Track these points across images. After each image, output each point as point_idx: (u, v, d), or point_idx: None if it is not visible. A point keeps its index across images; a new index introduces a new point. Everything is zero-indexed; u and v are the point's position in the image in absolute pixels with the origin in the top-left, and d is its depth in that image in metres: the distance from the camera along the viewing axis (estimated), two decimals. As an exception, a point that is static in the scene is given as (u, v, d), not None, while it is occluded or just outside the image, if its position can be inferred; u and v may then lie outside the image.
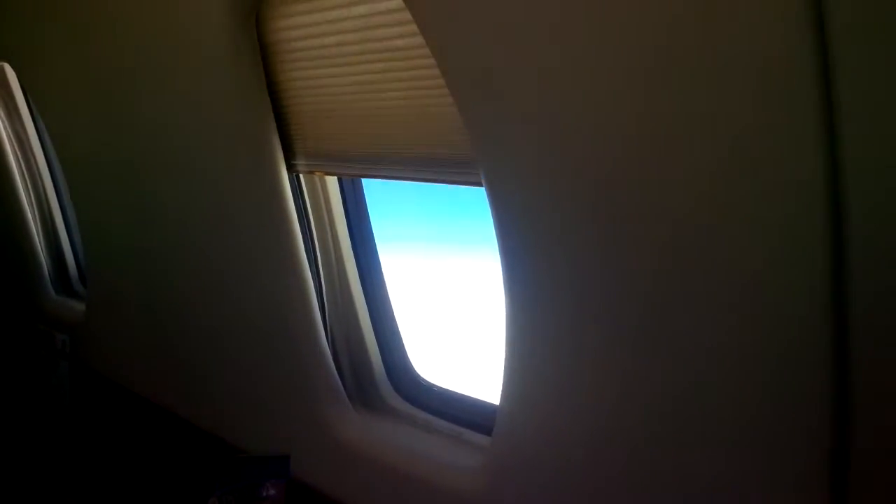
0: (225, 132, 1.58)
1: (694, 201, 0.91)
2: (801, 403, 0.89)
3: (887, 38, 0.70)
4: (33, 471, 2.72)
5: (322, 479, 1.75)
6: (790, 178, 0.81)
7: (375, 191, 1.76)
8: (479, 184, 1.22)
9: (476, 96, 1.10)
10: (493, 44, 1.04)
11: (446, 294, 2.01)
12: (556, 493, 1.25)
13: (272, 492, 1.67)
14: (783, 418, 0.91)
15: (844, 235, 0.79)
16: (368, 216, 1.76)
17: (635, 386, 1.06)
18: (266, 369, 1.83)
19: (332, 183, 1.70)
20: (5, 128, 2.80)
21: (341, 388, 1.72)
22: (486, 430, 1.44)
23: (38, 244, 2.92)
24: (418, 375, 1.77)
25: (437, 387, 1.73)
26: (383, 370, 1.79)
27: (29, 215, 2.88)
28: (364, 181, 1.70)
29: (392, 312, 1.78)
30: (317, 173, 1.63)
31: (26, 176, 2.87)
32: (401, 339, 1.79)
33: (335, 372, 1.72)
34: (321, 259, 1.72)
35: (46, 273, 2.95)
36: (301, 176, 1.63)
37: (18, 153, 2.84)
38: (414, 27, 1.17)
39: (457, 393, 1.68)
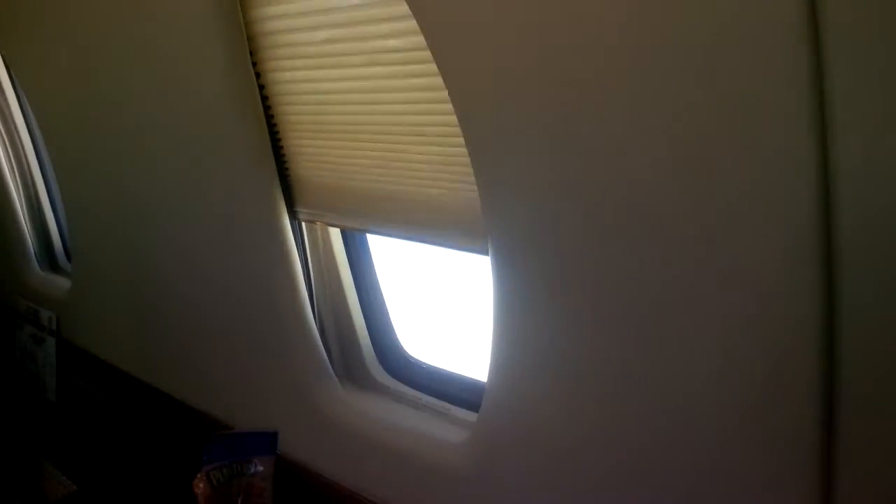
0: (207, 108, 1.57)
1: (682, 201, 0.91)
2: (790, 402, 0.89)
3: (881, 38, 0.70)
4: (20, 447, 2.72)
5: (310, 454, 1.76)
6: (782, 179, 0.82)
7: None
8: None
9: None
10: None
11: (435, 271, 2.01)
12: (542, 469, 1.26)
13: (260, 468, 1.68)
14: (771, 416, 0.92)
15: (834, 235, 0.80)
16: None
17: (622, 364, 1.07)
18: (253, 346, 1.83)
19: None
20: (-11, 105, 2.77)
21: (328, 364, 1.72)
22: (474, 406, 1.45)
23: (23, 221, 2.90)
24: (406, 352, 1.77)
25: (424, 363, 1.74)
26: (371, 346, 1.79)
27: (13, 191, 2.86)
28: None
29: (380, 289, 1.78)
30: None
31: (10, 152, 2.84)
32: (388, 316, 1.79)
33: (322, 348, 1.72)
34: (307, 235, 1.72)
35: (31, 250, 2.93)
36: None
37: (2, 129, 2.81)
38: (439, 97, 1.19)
39: (444, 370, 1.68)
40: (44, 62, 2.07)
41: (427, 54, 1.17)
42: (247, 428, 1.88)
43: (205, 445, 1.65)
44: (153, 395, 2.28)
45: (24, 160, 2.86)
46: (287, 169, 1.61)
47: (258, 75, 1.53)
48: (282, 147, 1.59)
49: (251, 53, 1.50)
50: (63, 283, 2.76)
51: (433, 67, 1.16)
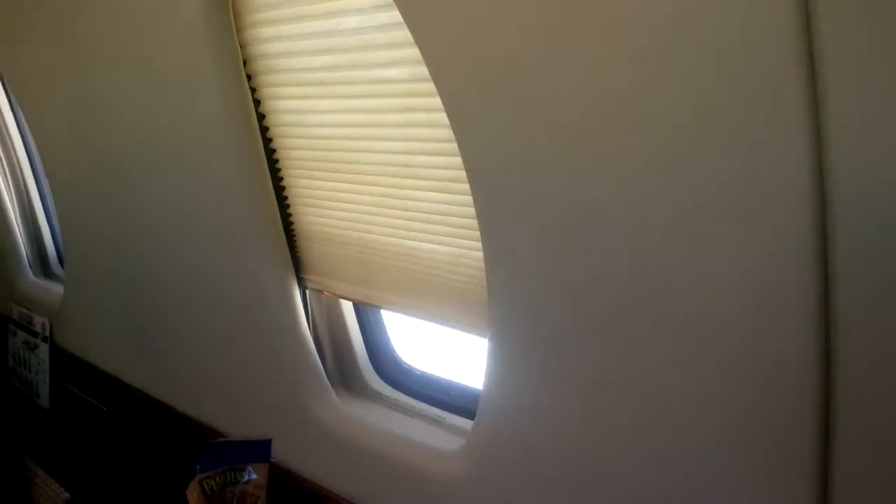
0: (201, 115, 1.57)
1: (679, 203, 0.91)
2: (787, 404, 0.90)
3: (875, 37, 0.71)
4: (12, 454, 2.71)
5: (304, 462, 1.76)
6: (776, 182, 0.82)
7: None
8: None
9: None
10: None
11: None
12: (537, 478, 1.26)
13: (254, 476, 1.67)
14: (767, 419, 0.92)
15: (830, 238, 0.80)
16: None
17: (618, 372, 1.07)
18: (247, 353, 1.82)
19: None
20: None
21: (322, 371, 1.72)
22: (469, 413, 1.45)
23: (17, 227, 2.89)
24: (401, 359, 1.77)
25: (419, 370, 1.74)
26: (366, 353, 1.79)
27: (6, 198, 2.85)
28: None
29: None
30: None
31: (3, 159, 2.84)
32: (383, 322, 1.79)
33: (316, 355, 1.72)
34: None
35: (25, 256, 2.92)
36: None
37: (-5, 136, 2.81)
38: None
39: (439, 377, 1.68)
40: (38, 72, 2.07)
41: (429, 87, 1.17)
42: (241, 436, 1.87)
43: (198, 453, 1.64)
44: (146, 402, 2.27)
45: (17, 167, 2.86)
46: (280, 173, 1.61)
47: (257, 103, 1.54)
48: (275, 152, 1.59)
49: (248, 78, 1.51)
50: (56, 289, 2.75)
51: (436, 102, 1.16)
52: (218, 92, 1.51)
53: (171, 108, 1.65)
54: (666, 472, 1.06)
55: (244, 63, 1.49)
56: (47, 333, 2.75)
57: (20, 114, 2.74)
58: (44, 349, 2.77)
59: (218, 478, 1.64)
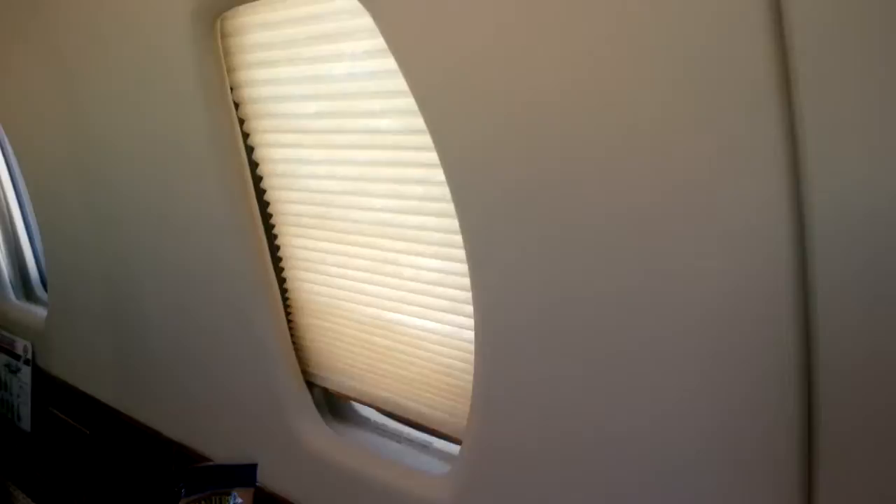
0: (189, 139, 1.56)
1: (656, 211, 0.92)
2: (769, 413, 0.90)
3: (848, 41, 0.72)
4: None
5: (291, 486, 1.75)
6: (754, 189, 0.83)
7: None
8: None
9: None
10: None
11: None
12: (525, 500, 1.25)
13: (239, 500, 1.66)
14: (753, 426, 0.93)
15: (808, 240, 0.81)
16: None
17: (603, 391, 1.07)
18: (232, 377, 1.81)
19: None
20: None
21: (309, 395, 1.72)
22: (456, 438, 1.45)
23: (-1, 250, 2.88)
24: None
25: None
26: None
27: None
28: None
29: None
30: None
31: (-15, 180, 2.83)
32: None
33: (303, 379, 1.72)
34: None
35: (7, 279, 2.91)
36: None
37: (-23, 156, 2.79)
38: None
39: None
40: (24, 92, 2.06)
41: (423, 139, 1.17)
42: (226, 459, 1.86)
43: (183, 477, 1.63)
44: (130, 425, 2.26)
45: (-1, 189, 2.85)
46: (272, 220, 1.61)
47: (250, 150, 1.55)
48: (265, 193, 1.59)
49: (241, 122, 1.52)
50: (39, 312, 2.74)
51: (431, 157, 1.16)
52: (209, 134, 1.52)
53: (157, 136, 1.65)
54: (655, 489, 1.06)
55: (235, 107, 1.50)
56: (30, 356, 2.73)
57: (3, 135, 2.73)
58: (26, 372, 2.75)
59: (203, 502, 1.64)
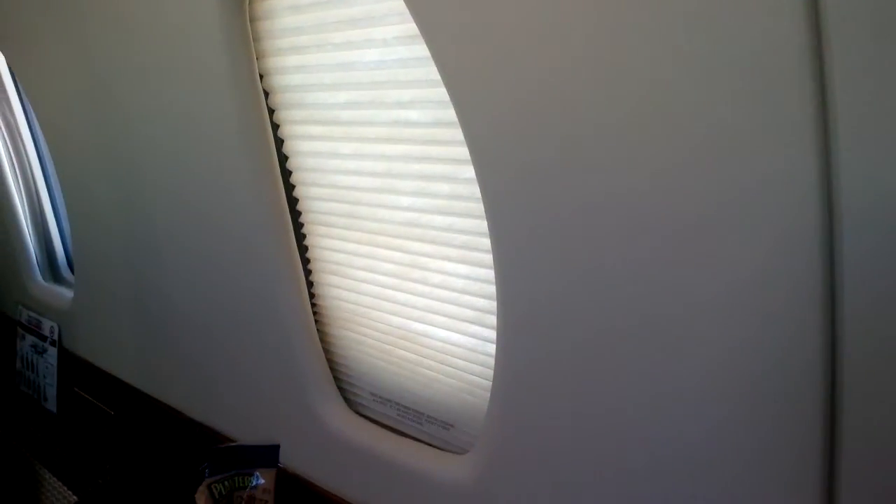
0: (218, 125, 1.57)
1: (687, 200, 0.92)
2: (792, 409, 0.90)
3: (883, 41, 0.71)
4: (19, 457, 2.71)
5: (312, 466, 1.76)
6: (784, 177, 0.82)
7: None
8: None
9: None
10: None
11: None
12: (547, 481, 1.26)
13: (262, 480, 1.68)
14: (775, 424, 0.93)
15: (836, 234, 0.80)
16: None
17: (626, 378, 1.07)
18: (257, 358, 1.83)
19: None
20: (-6, 114, 2.79)
21: (331, 377, 1.73)
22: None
23: (27, 231, 2.91)
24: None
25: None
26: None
27: (17, 202, 2.87)
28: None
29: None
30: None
31: (15, 163, 2.86)
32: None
33: (326, 361, 1.73)
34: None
35: (34, 260, 2.94)
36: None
37: (7, 140, 2.82)
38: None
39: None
40: (52, 75, 2.08)
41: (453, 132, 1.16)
42: (249, 440, 1.88)
43: (207, 457, 1.65)
44: (154, 405, 2.28)
45: (28, 171, 2.87)
46: (293, 187, 1.62)
47: (279, 142, 1.56)
48: (290, 173, 1.60)
49: (270, 113, 1.52)
50: (65, 293, 2.77)
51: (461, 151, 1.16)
52: (238, 120, 1.52)
53: (184, 122, 1.66)
54: (673, 476, 1.06)
55: (265, 95, 1.51)
56: (56, 337, 2.77)
57: (32, 116, 2.76)
58: (52, 353, 2.79)
59: (226, 482, 1.65)
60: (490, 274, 1.28)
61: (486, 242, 1.24)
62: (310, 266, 1.68)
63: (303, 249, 1.67)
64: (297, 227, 1.64)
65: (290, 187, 1.60)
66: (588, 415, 1.15)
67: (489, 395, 1.31)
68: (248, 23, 1.43)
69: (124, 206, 2.09)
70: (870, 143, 0.75)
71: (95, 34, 1.77)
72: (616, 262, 1.02)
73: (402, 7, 1.15)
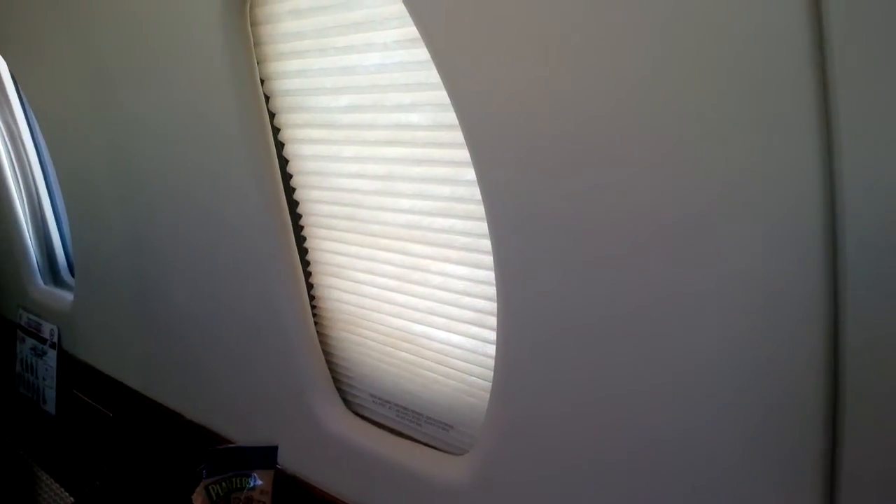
0: (219, 129, 1.58)
1: (687, 200, 0.92)
2: (793, 404, 0.90)
3: (885, 36, 0.72)
4: (17, 459, 2.71)
5: (310, 468, 1.77)
6: (784, 174, 0.83)
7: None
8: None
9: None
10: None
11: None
12: (544, 485, 1.26)
13: (260, 482, 1.68)
14: (775, 420, 0.93)
15: (838, 231, 0.81)
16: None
17: (626, 377, 1.08)
18: (256, 360, 1.84)
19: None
20: (-5, 117, 2.80)
21: (330, 378, 1.73)
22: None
23: (27, 234, 2.92)
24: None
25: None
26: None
27: (18, 205, 2.88)
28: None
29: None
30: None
31: (15, 165, 2.86)
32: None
33: (325, 363, 1.73)
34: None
35: (35, 262, 2.95)
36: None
37: (8, 143, 2.83)
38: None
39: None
40: (54, 79, 2.09)
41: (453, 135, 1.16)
42: (247, 441, 1.88)
43: (204, 458, 1.65)
44: (152, 407, 2.29)
45: (28, 173, 2.88)
46: (294, 190, 1.63)
47: (280, 146, 1.56)
48: (287, 163, 1.61)
49: (271, 117, 1.53)
50: (65, 296, 2.78)
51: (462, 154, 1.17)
52: (240, 124, 1.53)
53: (186, 125, 1.67)
54: (673, 476, 1.07)
55: (266, 99, 1.52)
56: (55, 340, 2.77)
57: (33, 120, 2.77)
58: (51, 355, 2.79)
59: (224, 483, 1.65)
60: (490, 275, 1.28)
61: (487, 244, 1.25)
62: (310, 268, 1.69)
63: (303, 252, 1.68)
64: (298, 229, 1.65)
65: (290, 190, 1.61)
66: (587, 416, 1.15)
67: (489, 396, 1.32)
68: (250, 27, 1.44)
69: (125, 209, 2.09)
70: (871, 138, 0.75)
71: (96, 38, 1.78)
72: (616, 266, 1.02)
73: (403, 11, 1.16)
